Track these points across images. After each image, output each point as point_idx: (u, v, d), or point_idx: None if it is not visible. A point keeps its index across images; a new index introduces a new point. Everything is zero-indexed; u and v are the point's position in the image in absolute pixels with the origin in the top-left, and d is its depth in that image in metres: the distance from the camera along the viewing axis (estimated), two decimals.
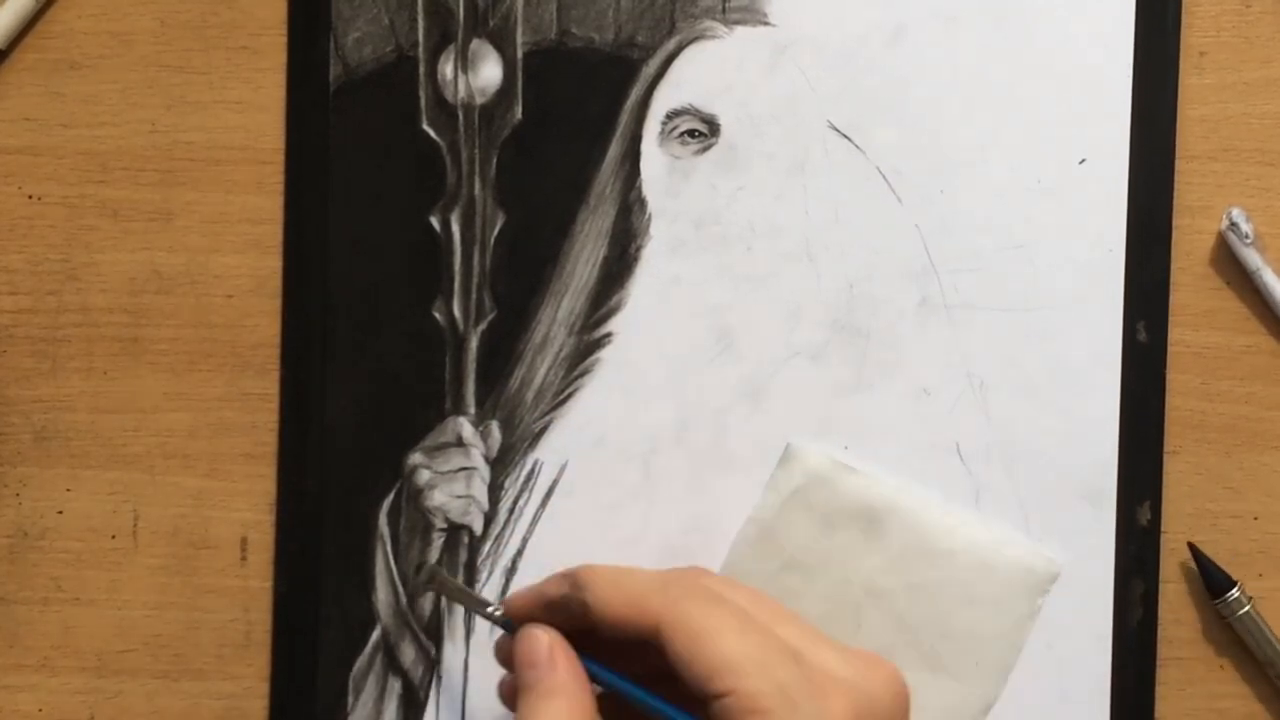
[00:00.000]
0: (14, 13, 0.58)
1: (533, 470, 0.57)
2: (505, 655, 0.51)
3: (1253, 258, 0.56)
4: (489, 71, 0.58)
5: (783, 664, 0.45)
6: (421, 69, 0.58)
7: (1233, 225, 0.56)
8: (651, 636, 0.46)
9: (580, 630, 0.48)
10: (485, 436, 0.58)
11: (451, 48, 0.58)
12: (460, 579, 0.58)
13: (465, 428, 0.58)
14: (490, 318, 0.58)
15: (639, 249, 0.57)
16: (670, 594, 0.47)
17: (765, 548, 0.57)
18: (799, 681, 0.45)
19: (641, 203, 0.57)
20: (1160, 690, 0.57)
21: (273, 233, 0.58)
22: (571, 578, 0.48)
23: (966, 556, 0.56)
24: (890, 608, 0.56)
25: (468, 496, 0.58)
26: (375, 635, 0.58)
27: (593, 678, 0.48)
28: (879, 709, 0.47)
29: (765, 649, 0.45)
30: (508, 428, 0.58)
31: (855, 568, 0.56)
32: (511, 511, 0.58)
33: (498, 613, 0.50)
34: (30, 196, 0.59)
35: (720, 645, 0.45)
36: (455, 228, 0.58)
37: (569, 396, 0.57)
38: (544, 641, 0.48)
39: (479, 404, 0.58)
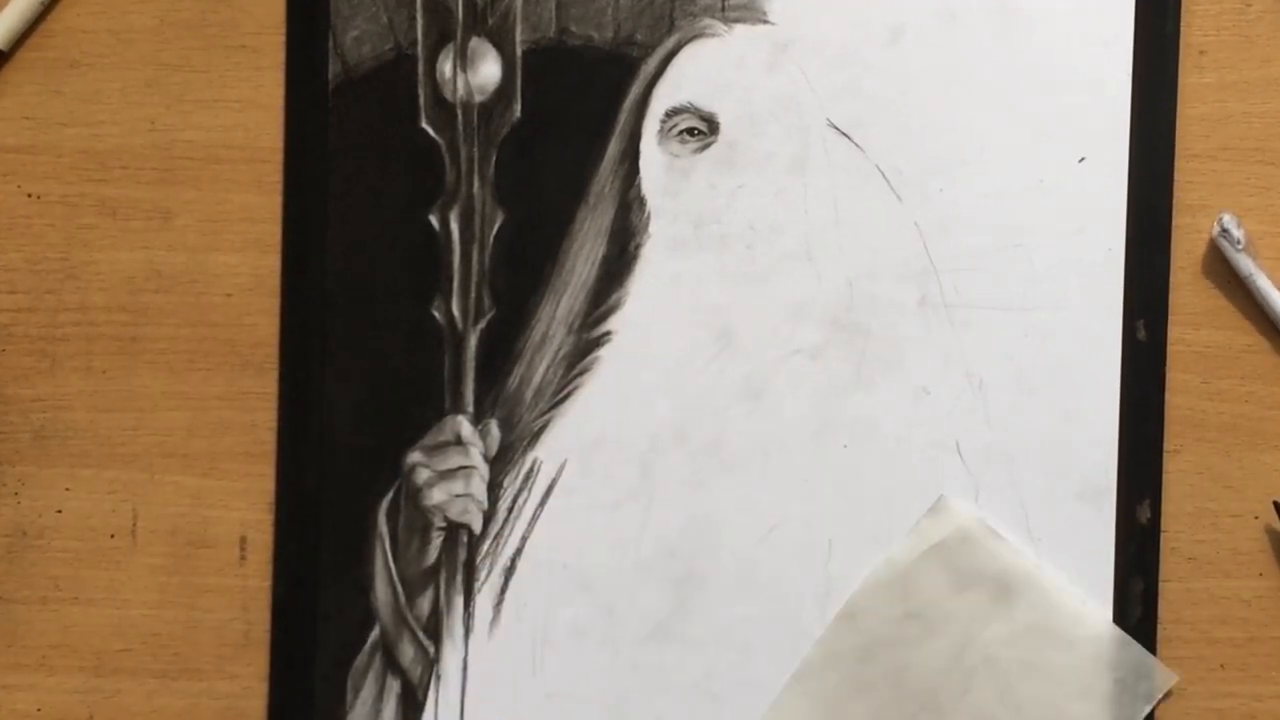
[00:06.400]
0: (18, 14, 0.58)
1: (532, 469, 0.57)
2: None
3: (1245, 263, 0.55)
4: (488, 70, 0.58)
5: None
6: (420, 67, 0.58)
7: (1224, 232, 0.55)
8: None
9: None
10: (484, 435, 0.57)
11: (450, 46, 0.58)
12: (459, 578, 0.57)
13: (464, 426, 0.57)
14: (489, 316, 0.58)
15: (638, 247, 0.57)
16: None
17: (894, 592, 0.56)
18: None
19: (641, 201, 0.57)
20: None
21: (272, 231, 0.58)
22: None
23: (1088, 647, 0.55)
24: (1001, 680, 0.56)
25: (467, 495, 0.57)
26: (374, 634, 0.58)
27: None
28: None
29: None
30: (507, 426, 0.57)
31: (977, 632, 0.56)
32: (510, 510, 0.57)
33: None
34: (29, 195, 0.59)
35: None
36: (454, 226, 0.58)
37: (568, 395, 0.57)
38: None
39: (478, 402, 0.58)
